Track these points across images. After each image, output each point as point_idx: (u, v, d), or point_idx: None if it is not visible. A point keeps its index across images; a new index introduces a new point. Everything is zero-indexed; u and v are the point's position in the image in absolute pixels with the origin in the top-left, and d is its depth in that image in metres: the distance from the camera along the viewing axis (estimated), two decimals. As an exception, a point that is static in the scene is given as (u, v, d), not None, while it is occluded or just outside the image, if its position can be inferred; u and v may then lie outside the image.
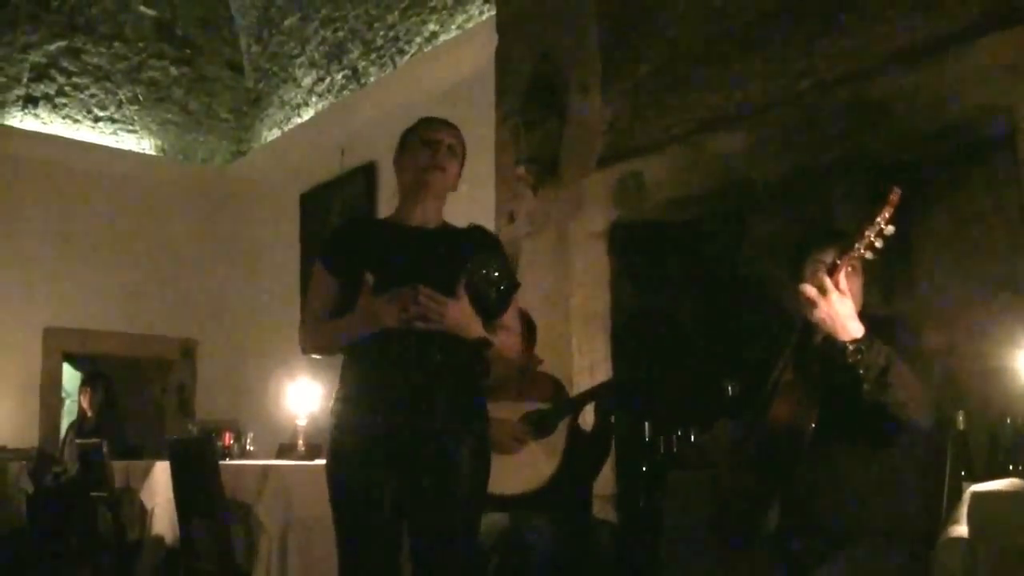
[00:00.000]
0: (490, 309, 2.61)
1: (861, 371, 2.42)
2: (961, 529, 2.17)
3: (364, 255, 2.60)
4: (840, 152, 3.74)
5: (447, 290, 2.49)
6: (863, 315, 2.53)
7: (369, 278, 2.48)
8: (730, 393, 3.39)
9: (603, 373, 4.58)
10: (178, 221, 8.53)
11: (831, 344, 2.48)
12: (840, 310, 2.44)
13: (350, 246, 2.67)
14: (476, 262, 2.58)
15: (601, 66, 4.85)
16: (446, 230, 2.71)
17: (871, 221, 2.41)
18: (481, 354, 2.57)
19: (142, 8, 8.52)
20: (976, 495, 2.16)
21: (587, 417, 3.99)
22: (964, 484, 2.45)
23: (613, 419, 3.98)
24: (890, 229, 2.40)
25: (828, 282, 2.45)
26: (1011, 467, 2.64)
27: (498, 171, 5.40)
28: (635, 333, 4.65)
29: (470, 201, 5.60)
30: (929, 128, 3.50)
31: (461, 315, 2.49)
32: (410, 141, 2.74)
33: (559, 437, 3.74)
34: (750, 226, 4.42)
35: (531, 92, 5.14)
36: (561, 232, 4.96)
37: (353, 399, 2.56)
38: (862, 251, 2.42)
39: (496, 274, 2.61)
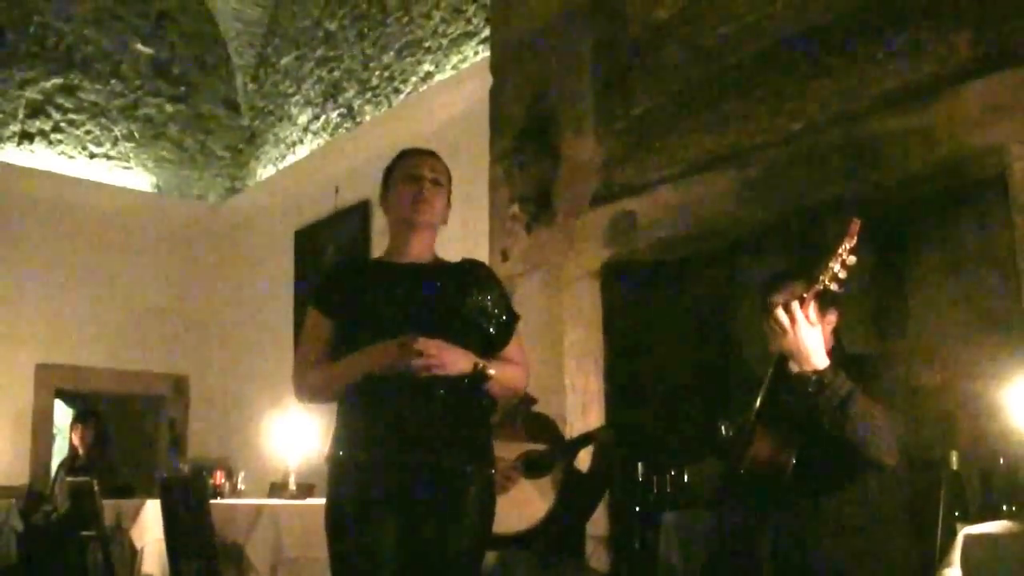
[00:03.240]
0: (491, 343, 2.58)
1: (820, 402, 2.44)
2: (954, 572, 2.15)
3: (358, 296, 2.57)
4: (832, 193, 3.76)
5: (445, 326, 2.47)
6: (840, 351, 2.57)
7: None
8: (724, 433, 3.37)
9: (596, 412, 4.57)
10: (172, 257, 8.52)
11: (799, 376, 2.51)
12: (807, 340, 2.49)
13: (343, 288, 2.62)
14: (472, 296, 2.57)
15: (595, 106, 4.87)
16: (440, 265, 2.69)
17: (833, 252, 2.44)
18: (483, 389, 2.51)
19: (139, 46, 8.57)
20: (969, 537, 2.15)
21: (581, 456, 3.98)
22: (958, 525, 2.44)
23: (610, 462, 3.96)
24: (852, 259, 2.42)
25: (797, 310, 2.49)
26: (1004, 508, 2.63)
27: (492, 209, 5.41)
28: (628, 372, 4.64)
29: (464, 239, 5.63)
30: (920, 169, 3.52)
31: (450, 352, 2.45)
32: (393, 179, 2.72)
33: (553, 477, 3.72)
34: (740, 266, 4.43)
35: (525, 131, 5.16)
36: (554, 270, 4.96)
37: (353, 442, 2.50)
38: (826, 282, 2.45)
39: (494, 307, 2.60)
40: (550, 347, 4.84)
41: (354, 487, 2.46)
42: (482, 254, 5.30)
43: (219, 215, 8.83)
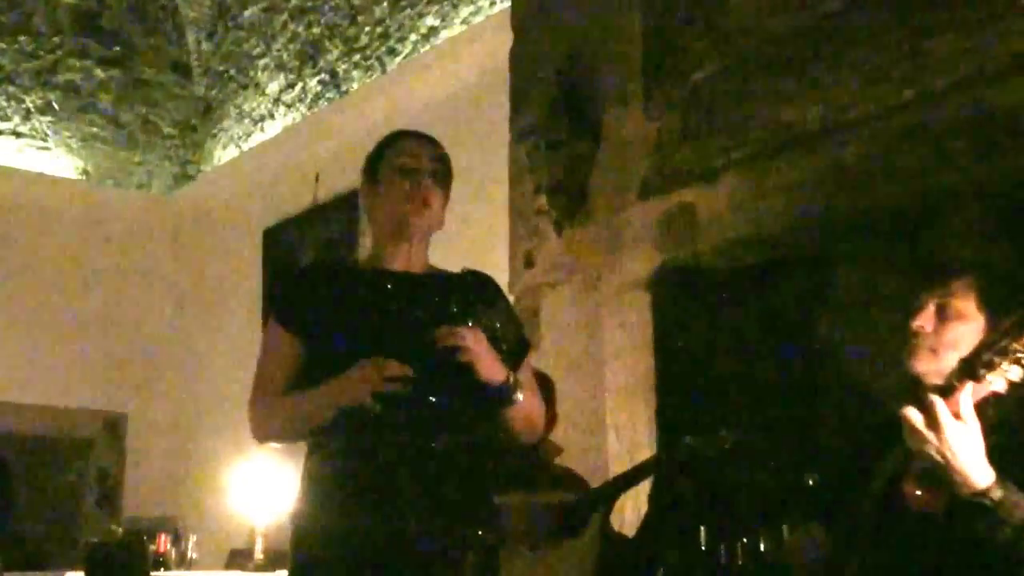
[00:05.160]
0: None
1: (989, 529, 2.19)
2: None
3: (333, 308, 2.58)
4: (951, 180, 3.75)
5: (443, 352, 2.47)
6: (998, 432, 2.30)
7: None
8: (810, 488, 3.35)
9: (646, 461, 4.56)
10: (104, 264, 8.54)
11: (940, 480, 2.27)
12: (959, 448, 2.21)
13: (313, 296, 2.63)
14: (478, 317, 2.58)
15: (644, 72, 4.87)
16: (435, 275, 2.71)
17: (1007, 342, 2.20)
18: (492, 437, 2.55)
19: (59, -8, 8.57)
20: None
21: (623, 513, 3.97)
22: None
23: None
24: None
25: (940, 409, 2.22)
26: None
27: (512, 203, 5.41)
28: (687, 409, 4.62)
29: (477, 240, 5.63)
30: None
31: (489, 351, 2.48)
32: (383, 170, 2.72)
33: (589, 541, 3.70)
34: (833, 273, 4.41)
35: (555, 104, 5.16)
36: (592, 280, 4.96)
37: (322, 499, 2.51)
38: (989, 377, 2.20)
39: (503, 332, 2.61)
40: (587, 378, 4.83)
41: (321, 560, 2.47)
42: (499, 259, 5.30)
43: (166, 209, 8.86)
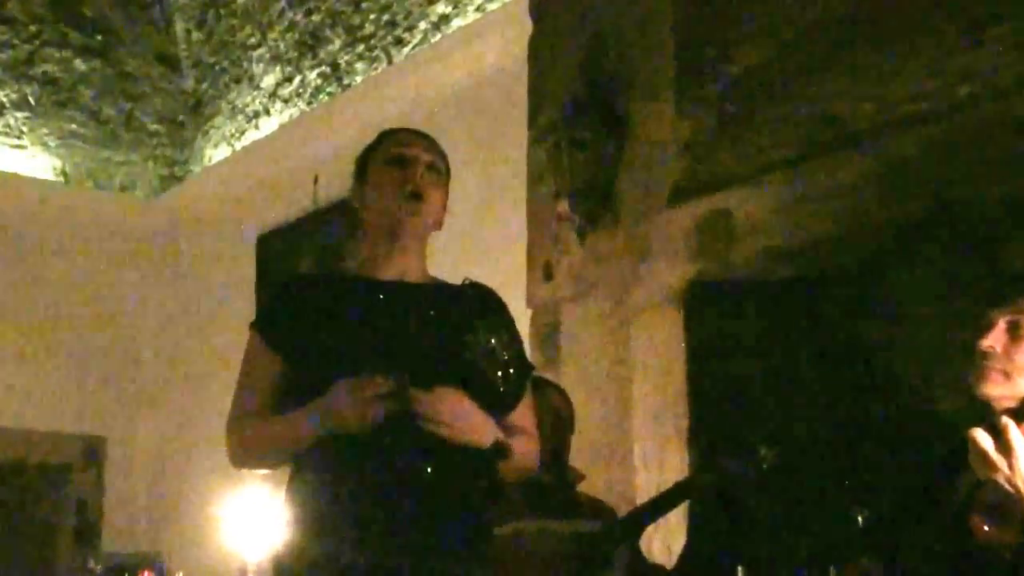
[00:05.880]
0: (498, 400, 2.60)
1: None
2: None
3: (319, 323, 2.58)
4: (1017, 184, 3.72)
5: (440, 373, 2.49)
6: None
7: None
8: (860, 523, 3.33)
9: (678, 493, 4.54)
10: (83, 274, 8.56)
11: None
12: None
13: (299, 310, 2.64)
14: (478, 334, 2.59)
15: (677, 64, 4.86)
16: (433, 286, 2.72)
17: None
18: (492, 466, 2.55)
19: (36, -23, 8.60)
20: None
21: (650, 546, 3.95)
22: None
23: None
24: None
25: (1014, 434, 2.27)
26: None
27: (531, 208, 5.41)
28: (723, 436, 4.60)
29: (489, 250, 5.62)
30: None
31: (468, 413, 2.48)
32: (373, 163, 2.74)
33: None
34: (884, 285, 4.39)
35: (578, 99, 5.16)
36: (619, 293, 4.95)
37: (304, 531, 2.51)
38: None
39: (504, 352, 2.62)
40: (612, 401, 4.83)
41: None
42: (516, 270, 5.30)
43: (152, 214, 8.89)
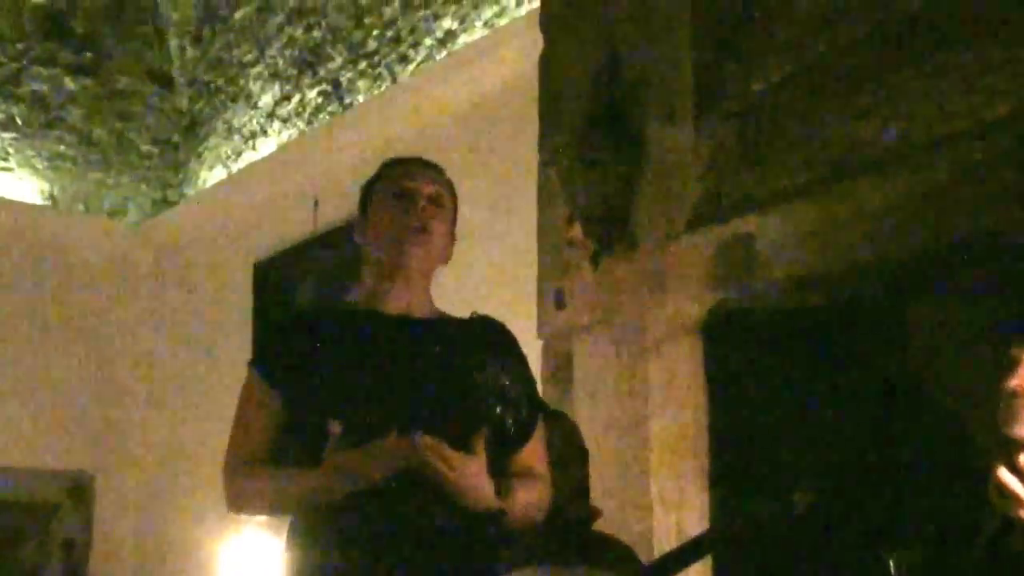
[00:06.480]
0: (506, 439, 2.63)
1: None
2: None
3: (322, 360, 2.61)
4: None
5: (446, 412, 2.52)
6: None
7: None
8: (892, 570, 3.31)
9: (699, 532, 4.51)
10: (71, 303, 8.57)
11: None
12: None
13: (301, 347, 2.66)
14: (485, 371, 2.61)
15: (695, 80, 4.85)
16: (440, 321, 2.74)
17: None
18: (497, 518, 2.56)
19: (23, -9, 8.63)
20: None
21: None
22: None
23: None
24: None
25: None
26: None
27: (542, 233, 5.40)
28: (746, 476, 4.58)
29: (498, 277, 5.60)
30: None
31: (473, 480, 2.50)
32: (376, 197, 2.78)
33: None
34: (918, 315, 4.37)
35: (591, 118, 5.15)
36: (635, 323, 4.93)
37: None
38: None
39: (513, 389, 2.64)
40: (628, 437, 4.81)
41: None
42: (526, 298, 5.28)
43: (144, 239, 8.89)
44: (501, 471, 2.63)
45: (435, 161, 2.86)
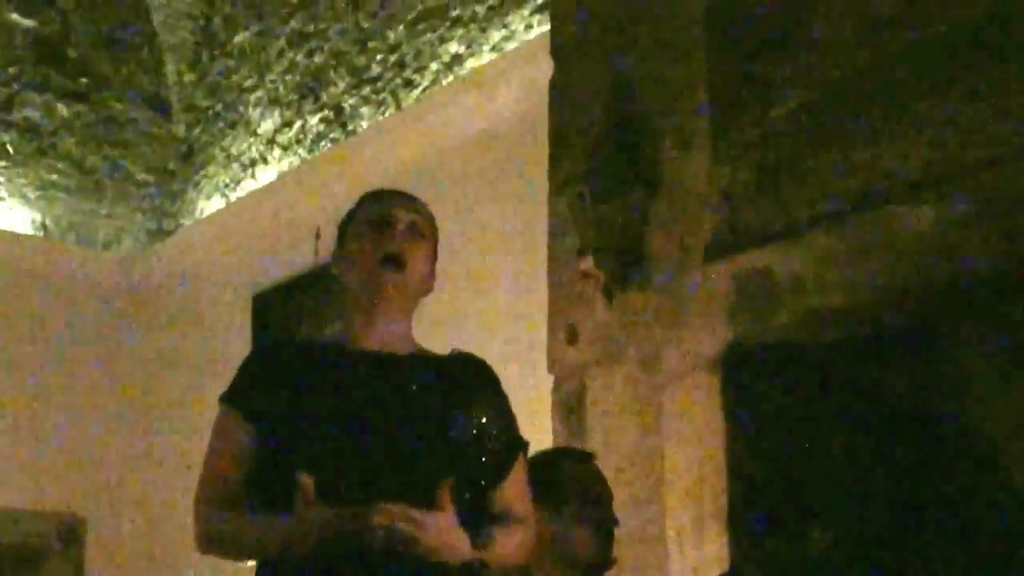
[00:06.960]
0: (482, 479, 2.63)
1: None
2: None
3: (294, 396, 2.61)
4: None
5: (423, 453, 2.53)
6: None
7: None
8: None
9: (717, 580, 4.50)
10: (63, 336, 8.56)
11: None
12: None
13: (274, 380, 2.68)
14: (467, 410, 2.62)
15: (712, 106, 4.86)
16: (417, 359, 2.73)
17: None
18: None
19: (14, 16, 8.66)
20: None
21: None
22: None
23: None
24: None
25: None
26: None
27: (552, 265, 5.39)
28: (769, 520, 4.56)
29: (507, 311, 5.58)
30: None
31: (445, 536, 2.48)
32: (352, 227, 2.82)
33: None
34: (946, 349, 4.36)
35: (603, 145, 5.15)
36: (650, 358, 4.93)
37: None
38: None
39: (491, 426, 2.64)
40: (643, 478, 4.80)
41: None
42: (536, 333, 5.27)
43: (138, 271, 8.90)
44: (482, 511, 2.63)
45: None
